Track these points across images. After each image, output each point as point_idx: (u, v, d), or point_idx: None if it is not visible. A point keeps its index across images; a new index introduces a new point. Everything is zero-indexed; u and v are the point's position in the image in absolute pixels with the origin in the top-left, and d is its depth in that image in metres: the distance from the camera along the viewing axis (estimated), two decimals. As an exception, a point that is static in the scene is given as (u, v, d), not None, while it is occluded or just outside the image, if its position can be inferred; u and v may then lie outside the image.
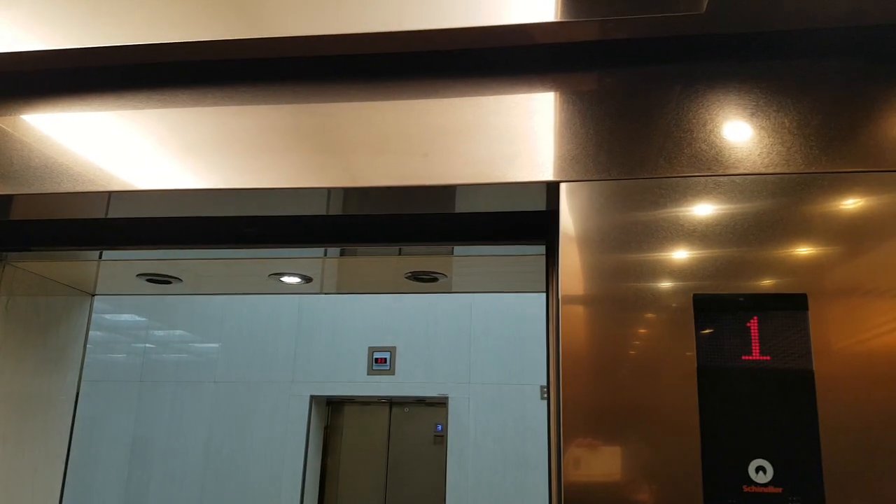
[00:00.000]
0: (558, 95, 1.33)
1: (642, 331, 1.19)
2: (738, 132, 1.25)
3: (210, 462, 6.31)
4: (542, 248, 1.43)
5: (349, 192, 1.37)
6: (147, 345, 6.80)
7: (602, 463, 1.14)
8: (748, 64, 1.28)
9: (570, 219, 1.24)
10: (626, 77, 1.32)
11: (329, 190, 1.34)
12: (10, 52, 1.38)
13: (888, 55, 1.25)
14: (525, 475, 5.89)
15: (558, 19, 1.24)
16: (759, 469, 1.10)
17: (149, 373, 6.63)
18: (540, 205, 1.34)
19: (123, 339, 6.73)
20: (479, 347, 6.30)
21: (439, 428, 6.52)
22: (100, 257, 1.94)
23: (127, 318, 6.74)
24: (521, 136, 1.31)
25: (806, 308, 1.14)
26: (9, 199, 1.43)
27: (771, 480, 1.09)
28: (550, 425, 1.27)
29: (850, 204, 1.18)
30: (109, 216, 1.57)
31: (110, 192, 1.39)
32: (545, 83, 1.34)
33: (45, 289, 2.02)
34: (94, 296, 2.21)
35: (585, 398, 1.16)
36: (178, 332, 6.86)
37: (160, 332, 6.87)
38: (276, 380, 6.40)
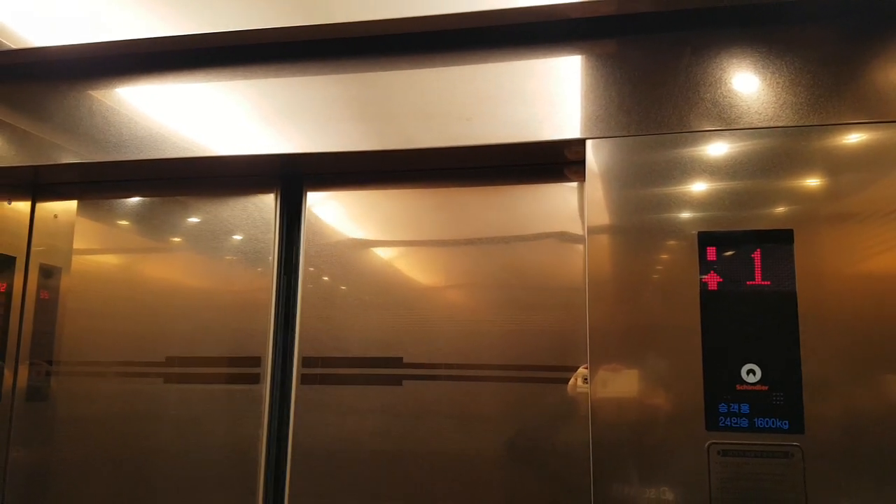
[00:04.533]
0: (583, 63, 1.54)
1: (655, 260, 1.43)
2: (738, 92, 1.46)
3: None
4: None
5: (404, 152, 1.61)
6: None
7: (623, 372, 1.41)
8: (748, 30, 1.47)
9: (594, 169, 1.48)
10: (642, 45, 1.52)
11: (386, 152, 1.59)
12: (115, 41, 1.63)
13: (873, 17, 1.43)
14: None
15: (582, -1, 1.45)
16: (750, 371, 1.36)
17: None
18: (569, 157, 1.57)
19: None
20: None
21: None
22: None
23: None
24: (551, 99, 1.53)
25: (792, 242, 1.37)
26: (121, 164, 1.72)
27: (759, 380, 1.35)
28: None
29: (833, 153, 1.39)
30: (197, 176, 1.85)
31: (204, 157, 1.66)
32: (571, 52, 1.55)
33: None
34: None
35: (609, 316, 1.42)
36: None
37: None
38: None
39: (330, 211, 1.79)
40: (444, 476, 1.62)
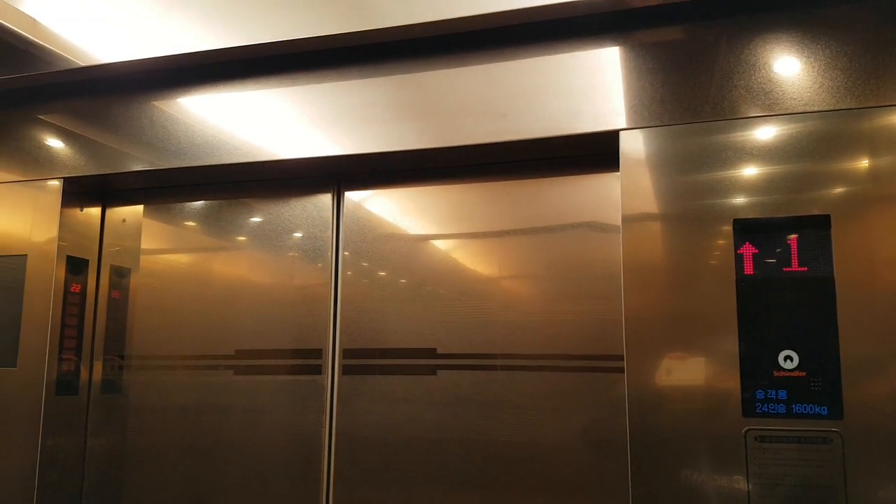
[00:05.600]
0: (616, 55, 1.56)
1: (691, 248, 1.43)
2: (773, 77, 1.45)
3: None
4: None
5: (442, 150, 1.66)
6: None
7: (659, 359, 1.43)
8: (781, 15, 1.46)
9: (629, 159, 1.50)
10: (675, 35, 1.53)
11: (426, 150, 1.65)
12: (172, 55, 1.75)
13: (912, -3, 1.40)
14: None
15: (613, -7, 1.47)
16: (787, 358, 1.36)
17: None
18: (602, 149, 1.59)
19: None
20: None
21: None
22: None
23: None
24: (584, 92, 1.56)
25: (829, 227, 1.36)
26: (181, 170, 1.83)
27: (797, 366, 1.35)
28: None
29: (871, 136, 1.37)
30: (255, 179, 1.95)
31: (257, 162, 1.76)
32: (604, 45, 1.57)
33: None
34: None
35: (645, 304, 1.44)
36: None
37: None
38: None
39: (364, 209, 1.87)
40: (477, 462, 1.68)
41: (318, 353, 1.80)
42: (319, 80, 1.74)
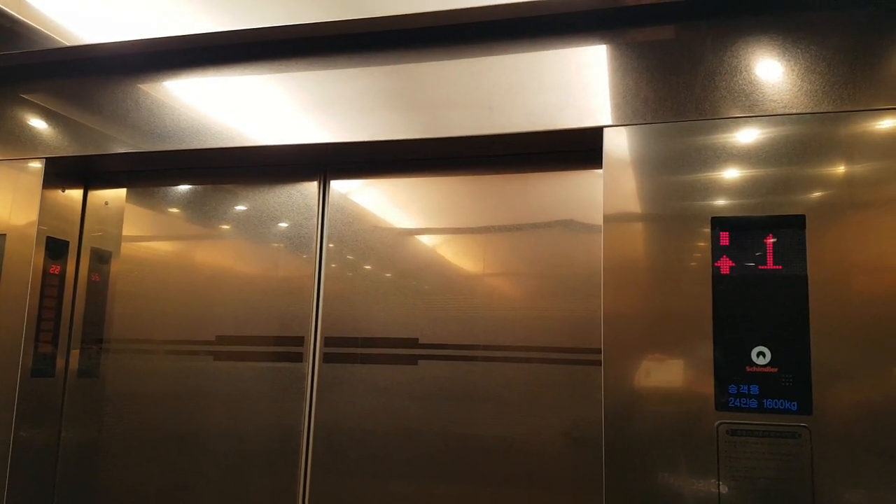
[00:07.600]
0: (601, 53, 1.58)
1: (670, 246, 1.46)
2: (754, 80, 1.48)
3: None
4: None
5: (430, 141, 1.67)
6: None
7: (635, 354, 1.45)
8: (764, 19, 1.49)
9: (611, 156, 1.52)
10: (660, 35, 1.56)
11: (413, 141, 1.66)
12: (160, 37, 1.74)
13: (889, 4, 1.44)
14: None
15: (600, -9, 1.49)
16: (760, 354, 1.39)
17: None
18: (586, 145, 1.62)
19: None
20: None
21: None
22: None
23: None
24: (570, 88, 1.58)
25: (804, 227, 1.40)
26: (166, 154, 1.83)
27: (769, 362, 1.38)
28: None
29: (847, 140, 1.40)
30: (240, 165, 1.95)
31: (243, 147, 1.76)
32: (590, 42, 1.60)
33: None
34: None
35: (623, 300, 1.47)
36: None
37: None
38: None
39: (350, 199, 1.88)
40: (455, 450, 1.70)
41: (299, 340, 1.81)
42: (308, 68, 1.74)
